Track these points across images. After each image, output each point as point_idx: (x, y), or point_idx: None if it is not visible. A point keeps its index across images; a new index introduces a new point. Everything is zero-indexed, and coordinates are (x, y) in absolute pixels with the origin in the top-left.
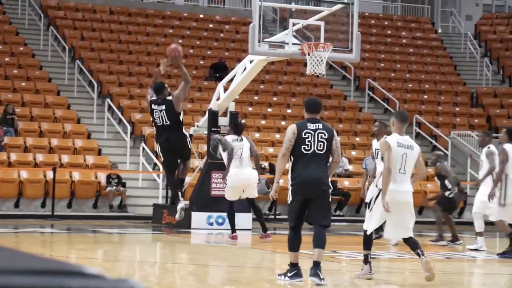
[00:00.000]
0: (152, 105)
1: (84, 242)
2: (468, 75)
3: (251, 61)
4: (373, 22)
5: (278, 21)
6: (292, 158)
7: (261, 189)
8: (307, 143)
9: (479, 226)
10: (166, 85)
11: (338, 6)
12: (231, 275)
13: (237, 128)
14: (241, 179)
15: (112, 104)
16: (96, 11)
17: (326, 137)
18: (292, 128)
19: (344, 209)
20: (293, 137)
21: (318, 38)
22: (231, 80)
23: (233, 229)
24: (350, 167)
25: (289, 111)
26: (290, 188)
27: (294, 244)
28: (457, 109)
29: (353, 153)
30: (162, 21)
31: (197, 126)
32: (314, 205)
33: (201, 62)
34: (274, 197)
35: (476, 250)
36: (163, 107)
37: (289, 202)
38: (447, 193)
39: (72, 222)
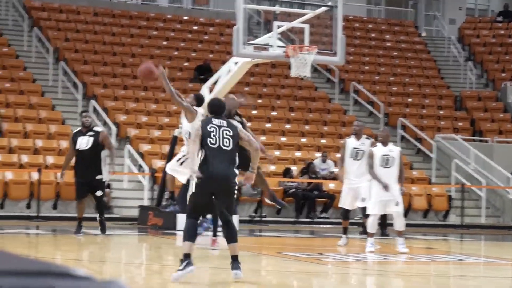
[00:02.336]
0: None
1: (70, 244)
2: (452, 78)
3: (235, 63)
4: (357, 25)
5: (263, 24)
6: (201, 152)
7: (246, 191)
8: (212, 136)
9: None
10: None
11: (322, 9)
12: (216, 277)
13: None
14: None
15: (97, 106)
16: (80, 13)
17: (232, 134)
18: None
19: (329, 211)
20: (199, 129)
21: (302, 40)
22: (215, 82)
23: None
24: (336, 170)
25: (274, 113)
26: (195, 180)
27: (192, 234)
28: (441, 112)
29: (338, 155)
30: (146, 22)
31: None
32: (219, 199)
33: (186, 64)
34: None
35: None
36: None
37: (190, 193)
38: None
39: (58, 223)
